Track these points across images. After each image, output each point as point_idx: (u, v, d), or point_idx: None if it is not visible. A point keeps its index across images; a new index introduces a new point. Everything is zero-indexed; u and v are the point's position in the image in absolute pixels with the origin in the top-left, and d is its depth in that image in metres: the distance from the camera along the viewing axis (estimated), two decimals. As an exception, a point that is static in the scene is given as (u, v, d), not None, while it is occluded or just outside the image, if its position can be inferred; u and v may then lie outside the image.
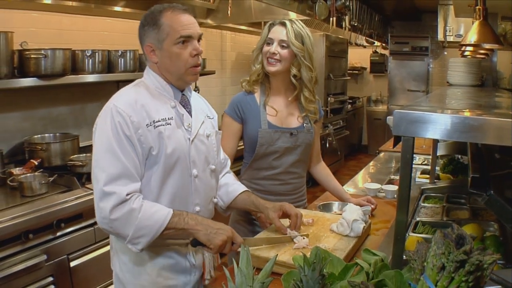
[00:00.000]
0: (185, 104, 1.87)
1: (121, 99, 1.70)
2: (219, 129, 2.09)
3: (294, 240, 1.89)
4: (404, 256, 1.35)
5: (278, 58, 2.27)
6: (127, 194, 1.62)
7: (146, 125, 1.69)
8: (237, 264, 1.14)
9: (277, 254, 1.34)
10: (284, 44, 2.27)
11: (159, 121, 1.72)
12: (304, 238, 1.90)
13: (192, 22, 1.77)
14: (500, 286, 1.24)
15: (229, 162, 2.23)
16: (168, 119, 1.76)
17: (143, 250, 1.68)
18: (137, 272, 1.81)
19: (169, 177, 1.76)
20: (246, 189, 2.14)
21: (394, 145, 1.43)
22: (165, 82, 1.81)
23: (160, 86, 1.81)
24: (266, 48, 2.30)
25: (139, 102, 1.71)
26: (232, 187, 2.11)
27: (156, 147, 1.71)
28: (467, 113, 1.35)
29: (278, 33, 2.28)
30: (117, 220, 1.61)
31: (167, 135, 1.73)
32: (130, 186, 1.64)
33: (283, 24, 2.28)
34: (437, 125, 1.23)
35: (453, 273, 0.93)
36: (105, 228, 1.65)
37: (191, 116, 1.86)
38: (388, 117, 1.32)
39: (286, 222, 2.01)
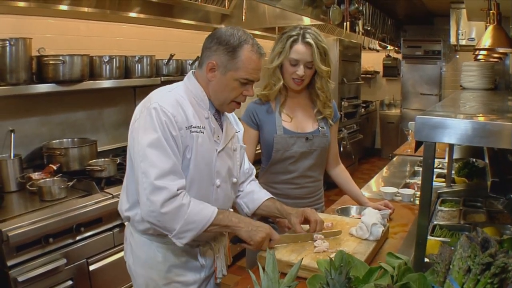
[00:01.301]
0: (218, 117, 1.92)
1: (164, 100, 1.74)
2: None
3: (314, 244, 1.90)
4: (425, 259, 1.37)
5: (304, 78, 2.28)
6: (178, 189, 1.68)
7: (185, 127, 1.75)
8: (263, 267, 1.16)
9: (302, 258, 1.36)
10: (309, 66, 2.26)
11: (194, 127, 1.77)
12: (324, 242, 1.91)
13: (260, 68, 1.83)
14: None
15: (254, 171, 2.25)
16: (202, 127, 1.80)
17: (186, 244, 1.75)
18: (148, 267, 1.88)
19: (194, 183, 1.81)
20: (271, 196, 2.17)
21: (416, 149, 1.44)
22: (204, 94, 1.84)
23: (197, 95, 1.84)
24: (291, 69, 2.27)
25: (179, 104, 1.76)
26: (257, 194, 2.14)
27: (190, 150, 1.77)
28: (488, 119, 1.36)
29: (304, 54, 2.24)
30: (167, 214, 1.66)
31: (199, 142, 1.78)
32: (179, 182, 1.70)
33: (308, 44, 2.23)
34: (458, 131, 1.24)
35: (479, 275, 0.94)
36: (152, 222, 1.70)
37: (222, 130, 1.91)
38: (409, 122, 1.34)
39: (306, 227, 2.03)
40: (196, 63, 3.95)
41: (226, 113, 1.97)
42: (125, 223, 2.01)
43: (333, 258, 1.22)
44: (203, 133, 1.80)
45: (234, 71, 1.76)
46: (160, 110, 1.70)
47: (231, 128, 2.00)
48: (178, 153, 1.73)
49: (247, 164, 2.18)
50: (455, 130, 1.25)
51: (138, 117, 1.76)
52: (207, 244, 1.95)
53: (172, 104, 1.74)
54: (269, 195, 2.16)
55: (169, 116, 1.70)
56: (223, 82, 1.78)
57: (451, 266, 1.01)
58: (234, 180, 2.00)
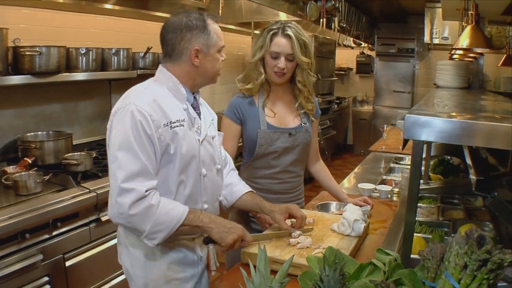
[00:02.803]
0: (196, 106, 1.94)
1: (140, 98, 1.74)
2: (218, 130, 2.14)
3: (298, 240, 1.91)
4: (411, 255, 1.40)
5: (285, 71, 2.29)
6: (146, 191, 1.67)
7: (164, 124, 1.75)
8: (254, 265, 1.16)
9: (293, 255, 1.36)
10: (290, 58, 2.27)
11: (174, 122, 1.78)
12: (307, 238, 1.93)
13: None
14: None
15: (230, 159, 2.26)
16: (182, 120, 1.82)
17: (158, 245, 1.74)
18: (148, 267, 1.87)
19: (183, 176, 1.83)
20: (250, 189, 2.18)
21: (403, 147, 1.46)
22: (180, 85, 1.86)
23: (174, 88, 1.86)
24: (272, 62, 2.29)
25: (157, 102, 1.76)
26: (236, 187, 2.16)
27: (172, 146, 1.77)
28: (478, 119, 1.38)
29: (284, 46, 2.26)
30: (135, 216, 1.65)
31: (181, 135, 1.79)
32: (148, 183, 1.69)
33: (288, 36, 2.25)
34: (448, 130, 1.26)
35: (475, 271, 0.97)
36: (122, 223, 1.71)
37: (200, 119, 1.94)
38: (398, 121, 1.35)
39: (288, 222, 2.05)
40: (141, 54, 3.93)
41: (201, 102, 2.01)
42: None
43: (321, 254, 1.23)
44: (183, 125, 1.81)
45: (213, 45, 1.84)
46: (136, 110, 1.70)
47: (208, 116, 2.04)
48: (153, 153, 1.73)
49: (223, 152, 2.19)
50: (444, 129, 1.27)
51: (113, 117, 1.77)
52: (201, 236, 1.94)
53: (149, 103, 1.74)
54: (248, 189, 2.17)
55: (145, 115, 1.70)
56: (209, 59, 1.85)
57: (446, 263, 1.03)
58: (218, 166, 2.02)
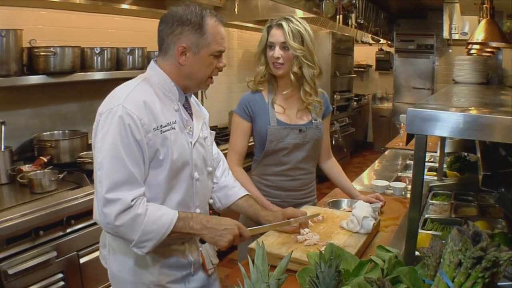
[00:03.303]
0: (187, 106, 1.85)
1: (129, 101, 1.63)
2: (214, 127, 2.10)
3: (305, 236, 1.90)
4: (416, 253, 1.37)
5: (282, 61, 2.29)
6: (132, 200, 1.58)
7: (153, 128, 1.65)
8: (252, 260, 1.16)
9: (292, 251, 1.36)
10: (285, 46, 2.28)
11: (165, 126, 1.68)
12: (315, 235, 1.91)
13: (225, 36, 1.77)
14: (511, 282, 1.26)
15: (223, 157, 2.20)
16: (173, 123, 1.72)
17: (148, 253, 1.66)
18: (138, 273, 1.78)
19: (174, 181, 1.74)
20: (247, 193, 2.11)
21: (407, 142, 1.44)
22: (172, 83, 1.75)
23: (165, 86, 1.75)
24: (269, 52, 2.33)
25: (147, 104, 1.65)
26: (232, 190, 2.09)
27: (162, 151, 1.68)
28: (479, 112, 1.35)
29: (277, 36, 2.29)
30: (122, 226, 1.58)
31: (172, 140, 1.70)
32: (134, 191, 1.60)
33: (280, 25, 2.29)
34: (450, 123, 1.24)
35: (470, 269, 0.94)
36: (110, 233, 1.65)
37: (192, 120, 1.85)
38: (401, 115, 1.33)
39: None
40: (156, 52, 3.92)
41: (191, 100, 1.91)
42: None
43: (323, 251, 1.22)
44: (175, 128, 1.72)
45: (206, 47, 1.69)
46: (125, 113, 1.59)
47: (200, 116, 1.93)
48: (141, 159, 1.64)
49: (215, 149, 2.10)
50: (446, 123, 1.24)
51: (99, 118, 1.65)
52: (191, 239, 1.87)
53: (138, 105, 1.62)
54: (244, 192, 2.10)
55: (134, 119, 1.60)
56: (198, 61, 1.70)
57: (441, 260, 1.00)
58: (210, 169, 1.92)
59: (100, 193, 1.58)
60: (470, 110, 1.38)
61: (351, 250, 1.79)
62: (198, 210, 1.85)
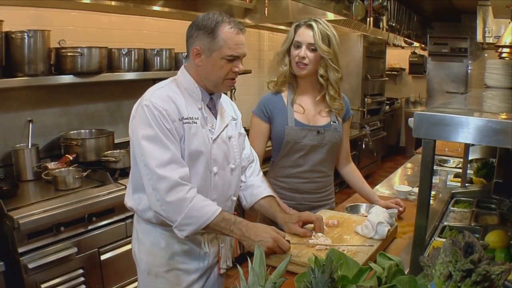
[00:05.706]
0: (212, 107, 1.97)
1: (154, 96, 1.81)
2: (246, 129, 2.15)
3: (317, 241, 1.88)
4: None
5: (307, 62, 2.27)
6: (180, 178, 1.74)
7: (178, 119, 1.81)
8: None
9: (290, 256, 1.35)
10: (312, 47, 2.26)
11: (186, 118, 1.83)
12: (327, 239, 1.89)
13: (244, 43, 1.86)
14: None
15: (257, 159, 2.25)
16: (195, 118, 1.86)
17: (188, 237, 1.80)
18: (151, 253, 1.94)
19: (191, 170, 1.85)
20: (270, 194, 2.16)
21: (415, 147, 1.41)
22: (196, 85, 1.90)
23: (190, 87, 1.90)
24: (294, 51, 2.30)
25: (171, 98, 1.81)
26: (257, 189, 2.16)
27: (184, 140, 1.83)
28: (488, 116, 1.31)
29: (306, 35, 2.27)
30: (170, 204, 1.73)
31: (192, 132, 1.84)
32: (180, 170, 1.77)
33: (310, 26, 2.27)
34: (458, 128, 1.20)
35: (459, 283, 0.90)
36: (158, 211, 1.78)
37: (215, 119, 1.96)
38: (409, 118, 1.31)
39: (309, 227, 2.02)
40: (184, 54, 3.95)
41: (222, 102, 2.03)
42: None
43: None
44: (196, 123, 1.86)
45: (218, 51, 1.80)
46: (151, 105, 1.76)
47: (226, 116, 2.05)
48: (176, 142, 1.80)
49: (248, 150, 2.21)
50: (454, 127, 1.21)
51: (134, 115, 1.85)
52: (213, 234, 1.98)
53: (163, 99, 1.80)
54: (268, 192, 2.15)
55: (160, 111, 1.76)
56: (210, 63, 1.83)
57: (433, 271, 0.97)
58: (232, 166, 2.02)
59: (150, 173, 1.75)
60: (480, 114, 1.34)
61: (363, 256, 1.77)
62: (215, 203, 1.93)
